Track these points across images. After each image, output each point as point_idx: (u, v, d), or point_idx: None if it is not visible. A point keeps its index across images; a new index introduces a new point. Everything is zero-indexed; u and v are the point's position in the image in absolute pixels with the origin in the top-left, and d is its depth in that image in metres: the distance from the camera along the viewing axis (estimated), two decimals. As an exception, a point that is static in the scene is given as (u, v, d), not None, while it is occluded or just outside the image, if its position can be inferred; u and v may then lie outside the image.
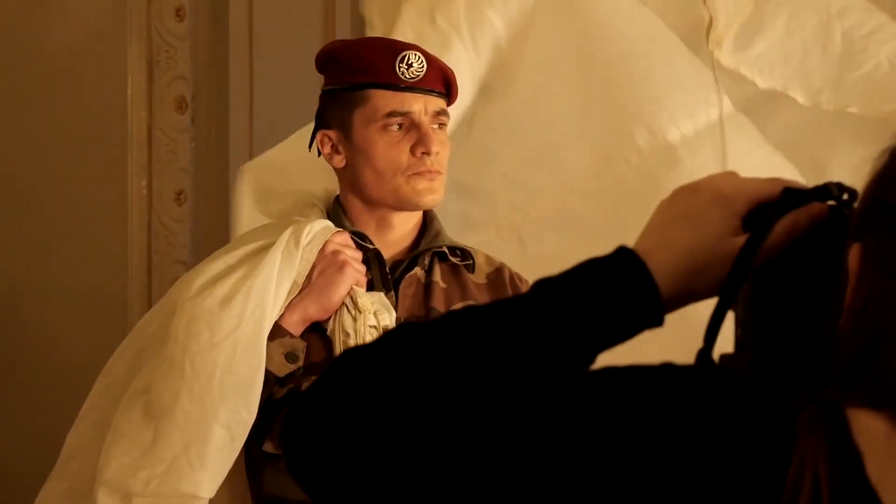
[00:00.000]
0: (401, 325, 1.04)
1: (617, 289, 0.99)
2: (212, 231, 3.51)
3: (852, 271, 0.90)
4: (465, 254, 2.20)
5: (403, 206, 2.14)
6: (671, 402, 0.87)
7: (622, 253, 1.01)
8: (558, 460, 0.87)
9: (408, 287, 2.14)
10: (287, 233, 2.07)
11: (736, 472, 0.84)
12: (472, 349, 0.96)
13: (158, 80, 3.65)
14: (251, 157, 3.67)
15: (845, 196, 1.02)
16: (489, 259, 2.24)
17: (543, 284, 1.00)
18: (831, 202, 1.03)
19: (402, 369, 0.95)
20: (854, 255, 0.90)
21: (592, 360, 1.00)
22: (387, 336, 1.00)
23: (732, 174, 1.06)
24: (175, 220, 3.64)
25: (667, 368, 0.91)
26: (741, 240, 1.00)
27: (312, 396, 0.96)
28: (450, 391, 0.93)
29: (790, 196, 1.02)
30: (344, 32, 3.70)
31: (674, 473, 0.85)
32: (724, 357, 1.05)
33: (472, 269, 2.20)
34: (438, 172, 2.13)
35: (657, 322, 1.00)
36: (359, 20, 3.92)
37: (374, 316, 2.05)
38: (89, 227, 3.58)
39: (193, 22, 3.66)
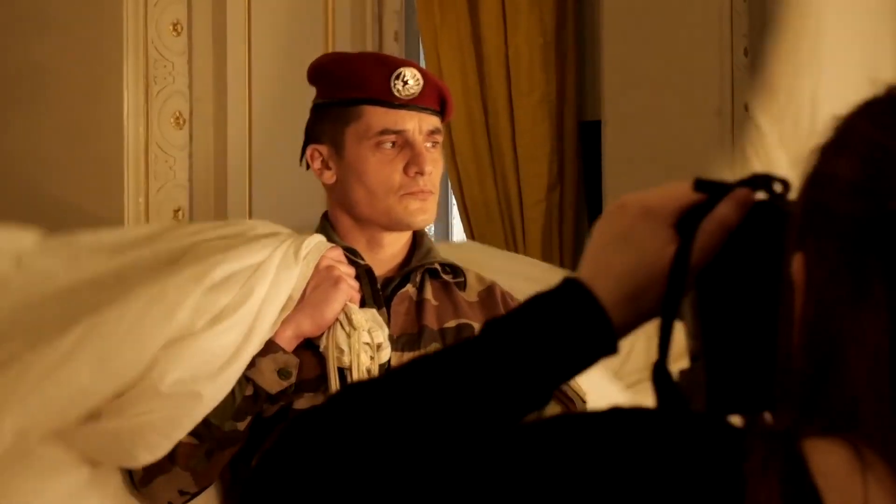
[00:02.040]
0: (351, 384, 1.03)
1: (568, 322, 0.97)
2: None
3: (797, 282, 0.86)
4: (456, 271, 2.17)
5: (395, 226, 2.11)
6: (615, 454, 0.83)
7: (569, 285, 0.98)
8: None
9: (399, 304, 2.10)
10: (283, 248, 2.03)
11: None
12: (426, 401, 0.94)
13: (156, 95, 3.62)
14: (249, 173, 3.65)
15: (777, 187, 0.99)
16: (480, 278, 2.21)
17: (494, 325, 0.98)
18: (763, 195, 0.99)
19: (356, 430, 0.92)
20: (798, 265, 0.86)
21: (550, 395, 0.98)
22: (337, 395, 0.98)
23: (663, 186, 1.03)
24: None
25: (613, 415, 0.87)
26: (674, 249, 0.98)
27: (266, 465, 0.94)
28: (406, 447, 0.91)
29: (708, 189, 0.99)
30: (344, 46, 3.69)
31: None
32: (682, 372, 1.02)
33: (463, 286, 2.17)
34: (431, 192, 2.10)
35: (612, 350, 0.98)
36: (358, 35, 3.91)
37: (368, 333, 2.02)
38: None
39: (191, 37, 3.64)
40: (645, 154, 3.62)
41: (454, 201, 4.25)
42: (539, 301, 0.98)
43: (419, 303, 2.11)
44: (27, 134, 3.59)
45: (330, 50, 3.70)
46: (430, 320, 2.10)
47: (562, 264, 4.16)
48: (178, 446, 1.96)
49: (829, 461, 0.80)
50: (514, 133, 4.03)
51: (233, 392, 1.97)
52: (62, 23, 3.58)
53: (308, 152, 2.14)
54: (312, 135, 2.15)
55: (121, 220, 3.55)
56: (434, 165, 2.09)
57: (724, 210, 0.98)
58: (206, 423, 1.96)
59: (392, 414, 0.93)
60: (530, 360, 0.95)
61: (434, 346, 2.06)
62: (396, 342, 2.06)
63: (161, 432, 1.93)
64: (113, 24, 3.57)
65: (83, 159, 3.56)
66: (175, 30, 3.65)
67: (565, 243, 4.09)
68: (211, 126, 3.65)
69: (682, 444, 0.83)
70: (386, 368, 2.02)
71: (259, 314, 1.97)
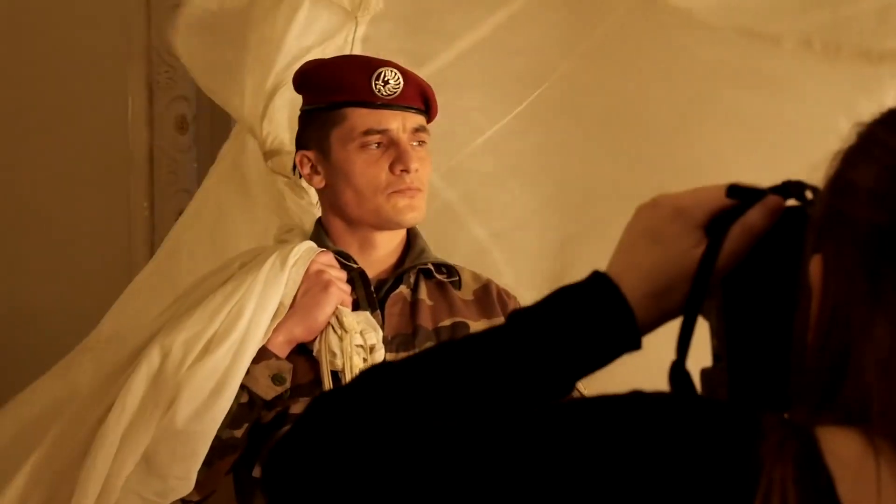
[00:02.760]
0: (375, 365, 1.02)
1: (594, 316, 0.99)
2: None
3: (815, 285, 0.88)
4: (450, 271, 2.18)
5: (385, 224, 2.12)
6: (636, 436, 0.85)
7: (596, 279, 1.00)
8: (526, 498, 0.86)
9: (394, 305, 2.11)
10: (271, 259, 2.06)
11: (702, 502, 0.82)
12: (451, 386, 0.96)
13: (159, 100, 3.64)
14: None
15: (808, 194, 1.00)
16: (475, 276, 2.22)
17: (520, 315, 1.00)
18: (793, 202, 1.01)
19: (378, 412, 0.94)
20: (815, 266, 0.89)
21: (572, 387, 1.00)
22: (361, 377, 0.99)
23: (697, 188, 1.05)
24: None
25: (634, 398, 0.89)
26: (702, 251, 1.00)
27: (290, 442, 0.95)
28: (429, 429, 0.92)
29: (741, 195, 1.01)
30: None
31: None
32: (704, 371, 1.04)
33: (458, 285, 2.18)
34: (419, 190, 2.10)
35: (635, 346, 1.00)
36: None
37: (360, 335, 2.03)
38: (92, 248, 3.57)
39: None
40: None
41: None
42: (565, 294, 1.00)
43: (413, 303, 2.12)
44: (29, 139, 3.62)
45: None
46: (425, 320, 2.11)
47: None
48: None
49: (841, 447, 0.83)
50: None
51: None
52: (64, 26, 3.60)
53: (297, 158, 2.15)
54: (301, 141, 2.16)
55: (126, 224, 3.58)
56: (421, 163, 2.10)
57: (754, 216, 1.00)
58: None
59: (415, 398, 0.95)
60: (554, 352, 0.97)
61: (429, 346, 2.06)
62: (391, 343, 2.07)
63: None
64: (116, 30, 3.59)
65: (87, 164, 3.59)
66: (177, 34, 3.67)
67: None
68: (215, 130, 3.67)
69: (701, 426, 0.84)
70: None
71: (249, 329, 2.00)
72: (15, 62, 3.63)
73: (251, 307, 2.01)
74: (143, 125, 3.63)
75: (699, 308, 1.00)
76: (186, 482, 1.97)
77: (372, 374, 0.99)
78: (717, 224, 1.00)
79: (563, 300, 1.00)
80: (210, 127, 3.70)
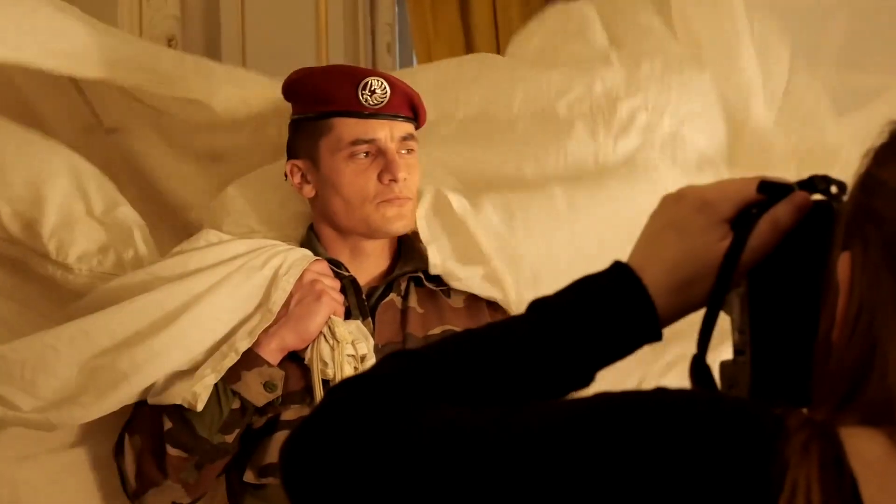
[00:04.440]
0: (397, 352, 1.02)
1: (615, 307, 0.99)
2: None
3: (842, 281, 0.88)
4: (439, 279, 2.18)
5: (374, 233, 2.13)
6: (660, 434, 0.85)
7: (617, 269, 1.01)
8: (549, 494, 0.86)
9: (384, 313, 2.12)
10: (265, 261, 2.08)
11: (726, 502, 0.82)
12: (472, 374, 0.97)
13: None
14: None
15: (833, 189, 1.00)
16: None
17: (540, 305, 1.00)
18: (820, 196, 1.01)
19: (400, 396, 0.94)
20: (843, 264, 0.88)
21: (591, 378, 1.00)
22: (383, 363, 1.00)
23: (723, 181, 1.05)
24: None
25: (658, 395, 0.89)
26: (728, 244, 1.00)
27: (312, 425, 0.96)
28: (449, 420, 0.92)
29: (770, 190, 1.01)
30: (337, 59, 3.72)
31: None
32: (723, 365, 1.04)
33: (448, 293, 2.19)
34: (408, 198, 2.11)
35: (656, 337, 1.00)
36: (351, 47, 3.95)
37: (351, 345, 2.05)
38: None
39: (185, 51, 3.68)
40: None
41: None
42: (586, 284, 1.01)
43: (404, 311, 2.13)
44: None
45: (324, 62, 3.74)
46: (415, 328, 2.12)
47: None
48: (169, 459, 2.01)
49: (865, 448, 0.82)
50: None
51: (220, 405, 2.01)
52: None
53: (287, 168, 2.16)
54: (290, 151, 2.18)
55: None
56: (409, 171, 2.10)
57: (781, 211, 1.00)
58: (195, 435, 2.00)
59: (436, 387, 0.95)
60: (575, 343, 0.98)
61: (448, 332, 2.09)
62: (381, 351, 2.08)
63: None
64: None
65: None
66: (170, 45, 3.69)
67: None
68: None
69: (725, 425, 0.84)
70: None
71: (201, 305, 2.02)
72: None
73: (223, 294, 2.03)
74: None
75: (721, 302, 1.00)
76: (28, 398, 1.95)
77: (393, 362, 1.00)
78: (743, 218, 1.00)
79: (585, 291, 1.00)
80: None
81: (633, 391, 0.89)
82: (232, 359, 2.01)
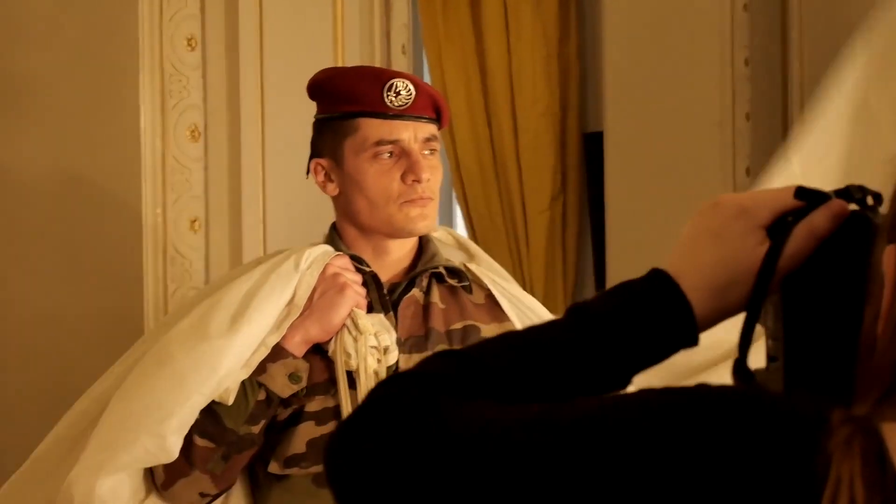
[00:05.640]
0: (442, 352, 1.04)
1: (653, 311, 1.01)
2: (225, 257, 3.57)
3: (888, 274, 0.88)
4: (461, 275, 2.22)
5: (397, 233, 2.16)
6: (703, 429, 0.85)
7: (655, 275, 1.03)
8: (588, 490, 0.87)
9: (406, 308, 2.16)
10: (287, 258, 2.12)
11: (768, 500, 0.83)
12: (514, 375, 0.98)
13: (171, 109, 3.69)
14: (264, 181, 3.72)
15: (869, 199, 1.01)
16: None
17: (581, 309, 1.02)
18: (855, 206, 1.02)
19: (444, 393, 0.96)
20: (889, 256, 0.88)
21: (629, 381, 1.02)
22: (427, 362, 1.02)
23: (760, 189, 1.07)
24: (190, 247, 3.69)
25: (700, 391, 0.90)
26: (765, 250, 1.01)
27: (356, 421, 0.97)
28: (491, 413, 0.93)
29: (806, 197, 1.02)
30: (353, 59, 3.75)
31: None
32: (757, 372, 1.04)
33: (469, 290, 2.22)
34: (430, 199, 2.14)
35: (693, 342, 1.02)
36: (367, 48, 3.98)
37: (374, 337, 2.08)
38: (106, 255, 3.62)
39: (205, 52, 3.71)
40: (646, 164, 3.63)
41: (459, 212, 4.31)
42: (625, 290, 1.03)
43: (426, 306, 2.17)
44: (45, 148, 3.67)
45: (340, 63, 3.77)
46: (437, 323, 2.15)
47: (564, 273, 4.23)
48: (196, 450, 2.05)
49: None
50: (517, 145, 4.05)
51: (245, 396, 2.05)
52: (78, 38, 3.65)
53: (311, 166, 2.21)
54: (315, 149, 2.21)
55: (139, 231, 3.63)
56: (432, 172, 2.14)
57: (818, 218, 1.00)
58: (222, 427, 2.04)
59: (482, 385, 0.97)
60: (614, 347, 0.99)
61: (441, 348, 2.11)
62: (404, 345, 2.12)
63: None
64: (128, 40, 3.65)
65: (101, 172, 3.64)
66: (189, 45, 3.72)
67: (568, 252, 4.13)
68: (225, 138, 3.72)
69: (768, 420, 0.84)
70: (394, 370, 2.08)
71: (252, 317, 2.05)
72: (28, 73, 3.68)
73: (256, 301, 2.06)
74: (156, 134, 3.68)
75: (760, 308, 1.00)
76: (161, 441, 2.00)
77: (437, 361, 1.01)
78: (780, 224, 1.02)
79: (623, 296, 1.02)
80: (220, 135, 3.75)
81: (675, 388, 0.90)
82: (262, 353, 2.06)
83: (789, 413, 0.85)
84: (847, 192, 1.02)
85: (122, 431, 2.01)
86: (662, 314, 1.01)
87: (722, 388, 0.89)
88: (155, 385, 2.02)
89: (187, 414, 2.01)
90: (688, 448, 0.84)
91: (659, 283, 1.02)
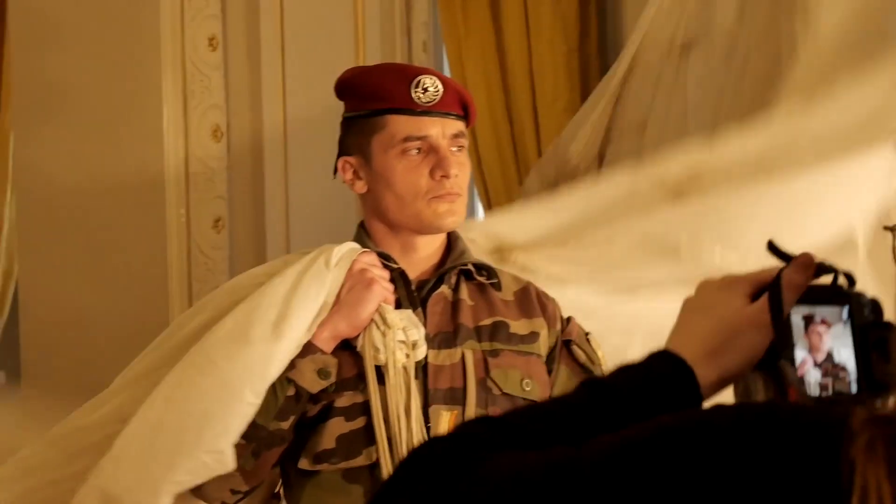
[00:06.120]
0: (473, 418, 1.18)
1: (660, 377, 1.11)
2: (249, 256, 3.58)
3: None
4: (490, 272, 2.23)
5: (425, 229, 2.17)
6: (724, 447, 0.88)
7: (657, 352, 1.14)
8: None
9: (435, 305, 2.16)
10: (317, 257, 2.13)
11: None
12: (538, 434, 1.05)
13: (193, 109, 3.71)
14: (286, 180, 3.73)
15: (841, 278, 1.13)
16: (516, 278, 2.27)
17: (597, 387, 1.12)
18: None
19: (477, 450, 1.01)
20: None
21: None
22: (461, 426, 1.09)
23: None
24: (213, 247, 3.71)
25: (718, 412, 0.95)
26: (754, 306, 1.12)
27: (397, 479, 1.03)
28: (519, 459, 0.99)
29: (777, 252, 1.16)
30: (374, 57, 3.76)
31: None
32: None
33: (498, 287, 2.22)
34: (458, 195, 2.16)
35: (698, 401, 1.12)
36: (388, 46, 3.99)
37: (402, 331, 2.09)
38: (130, 255, 3.64)
39: (226, 51, 3.73)
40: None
41: (481, 209, 4.31)
42: (631, 365, 1.14)
43: (455, 303, 2.17)
44: (69, 150, 3.69)
45: (361, 61, 3.78)
46: (466, 318, 2.15)
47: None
48: None
49: None
50: (538, 141, 4.04)
51: (275, 393, 2.06)
52: (101, 40, 3.67)
53: (339, 164, 2.21)
54: (343, 147, 2.22)
55: (163, 231, 3.64)
56: (460, 168, 2.15)
57: (792, 272, 1.12)
58: (252, 423, 2.05)
59: (508, 442, 1.03)
60: (627, 407, 1.08)
61: (470, 343, 2.13)
62: (433, 340, 2.12)
63: None
64: (150, 41, 3.67)
65: (125, 173, 3.65)
66: (211, 45, 3.74)
67: (591, 246, 4.13)
68: (247, 138, 3.74)
69: (788, 431, 0.87)
70: (423, 366, 2.10)
71: (291, 324, 2.07)
72: (55, 78, 3.70)
73: (295, 304, 2.08)
74: (179, 134, 3.70)
75: (782, 315, 1.10)
76: (220, 457, 2.04)
77: (467, 426, 1.09)
78: (773, 284, 1.13)
79: (630, 370, 1.13)
80: (242, 135, 3.76)
81: (690, 412, 0.98)
82: (295, 351, 2.07)
83: (809, 422, 0.88)
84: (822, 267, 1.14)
85: (178, 445, 2.05)
86: (668, 378, 1.11)
87: (738, 407, 0.96)
88: (202, 395, 2.05)
89: (240, 424, 2.04)
90: (710, 469, 0.87)
91: (661, 356, 1.13)
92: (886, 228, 2.15)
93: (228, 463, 2.04)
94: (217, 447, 2.03)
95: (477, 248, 2.31)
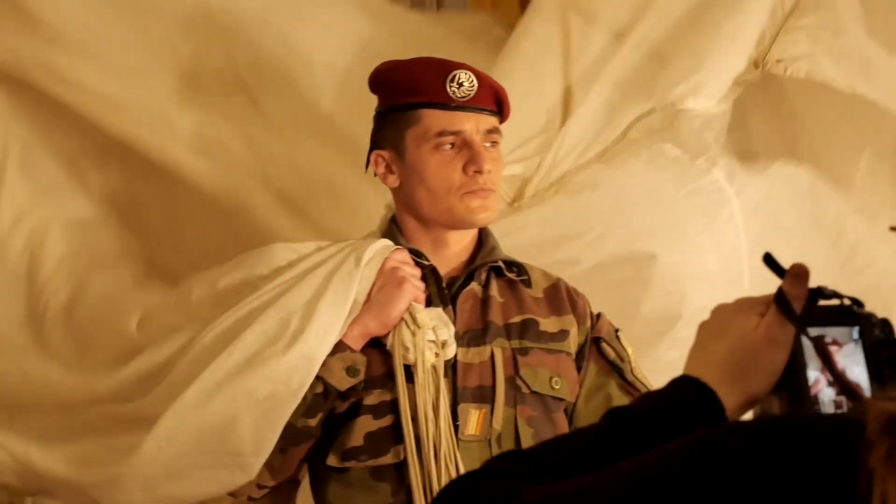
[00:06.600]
0: (503, 452, 1.19)
1: (684, 400, 1.13)
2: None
3: None
4: (520, 269, 2.21)
5: (457, 224, 2.16)
6: (744, 462, 0.90)
7: (679, 378, 1.15)
8: None
9: (465, 302, 2.15)
10: (348, 256, 2.12)
11: None
12: (565, 463, 1.07)
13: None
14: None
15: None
16: (546, 274, 2.25)
17: (623, 416, 1.13)
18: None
19: (510, 483, 1.04)
20: None
21: None
22: (492, 460, 1.11)
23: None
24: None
25: (735, 429, 0.98)
26: (767, 322, 1.14)
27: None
28: (552, 489, 1.01)
29: (772, 264, 1.19)
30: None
31: None
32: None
33: (528, 283, 2.21)
34: (491, 190, 2.14)
35: (720, 420, 1.12)
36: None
37: (432, 331, 2.07)
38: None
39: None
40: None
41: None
42: (654, 392, 1.16)
43: (485, 300, 2.16)
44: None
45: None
46: (496, 316, 2.14)
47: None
48: None
49: None
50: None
51: None
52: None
53: (372, 158, 2.20)
54: (375, 141, 2.21)
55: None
56: (493, 164, 2.14)
57: (788, 284, 1.15)
58: None
59: (537, 471, 1.06)
60: (653, 434, 1.09)
61: (499, 341, 2.12)
62: (462, 338, 2.11)
63: None
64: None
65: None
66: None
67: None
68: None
69: (807, 443, 0.88)
70: (452, 365, 2.09)
71: (324, 326, 2.08)
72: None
73: (326, 304, 2.07)
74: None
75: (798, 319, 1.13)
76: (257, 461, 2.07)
77: (497, 459, 1.11)
78: (780, 297, 1.16)
79: (655, 396, 1.15)
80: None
81: (710, 430, 0.98)
82: (325, 353, 2.07)
83: (828, 432, 0.89)
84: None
85: (225, 457, 2.09)
86: (692, 403, 1.12)
87: (755, 423, 0.98)
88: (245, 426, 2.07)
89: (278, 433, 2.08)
90: (729, 476, 0.89)
91: (684, 381, 1.15)
92: (892, 229, 2.16)
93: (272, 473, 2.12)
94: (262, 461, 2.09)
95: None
